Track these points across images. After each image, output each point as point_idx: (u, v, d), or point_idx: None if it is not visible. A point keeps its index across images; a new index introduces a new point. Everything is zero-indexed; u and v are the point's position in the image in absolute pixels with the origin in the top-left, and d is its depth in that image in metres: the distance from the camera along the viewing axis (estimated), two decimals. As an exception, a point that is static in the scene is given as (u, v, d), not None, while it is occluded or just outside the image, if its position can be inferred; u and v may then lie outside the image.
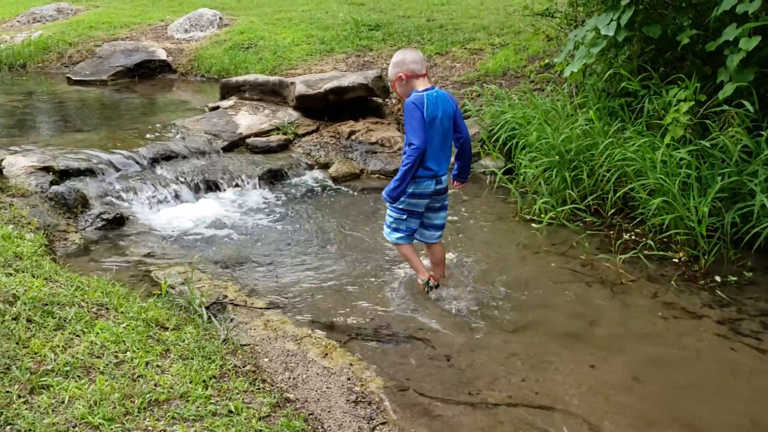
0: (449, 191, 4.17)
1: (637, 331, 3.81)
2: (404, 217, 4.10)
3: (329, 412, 3.01)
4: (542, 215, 5.18)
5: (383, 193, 3.98)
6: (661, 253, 4.60)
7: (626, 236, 4.92)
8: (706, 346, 3.65)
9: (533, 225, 5.19)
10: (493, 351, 3.65)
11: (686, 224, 4.56)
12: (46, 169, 5.58)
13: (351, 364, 3.42)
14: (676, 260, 4.56)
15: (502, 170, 5.88)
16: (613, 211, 5.16)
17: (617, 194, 5.05)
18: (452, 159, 4.16)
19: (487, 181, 6.19)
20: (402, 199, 3.98)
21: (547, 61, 7.59)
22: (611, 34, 5.03)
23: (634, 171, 4.96)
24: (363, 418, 2.99)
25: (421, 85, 3.89)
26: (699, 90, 4.94)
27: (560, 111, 5.98)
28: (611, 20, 5.07)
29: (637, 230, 5.00)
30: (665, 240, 4.74)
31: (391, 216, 4.15)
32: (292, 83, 7.58)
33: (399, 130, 7.28)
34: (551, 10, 7.33)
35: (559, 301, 4.18)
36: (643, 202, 4.86)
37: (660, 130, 5.04)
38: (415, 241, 4.29)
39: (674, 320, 3.90)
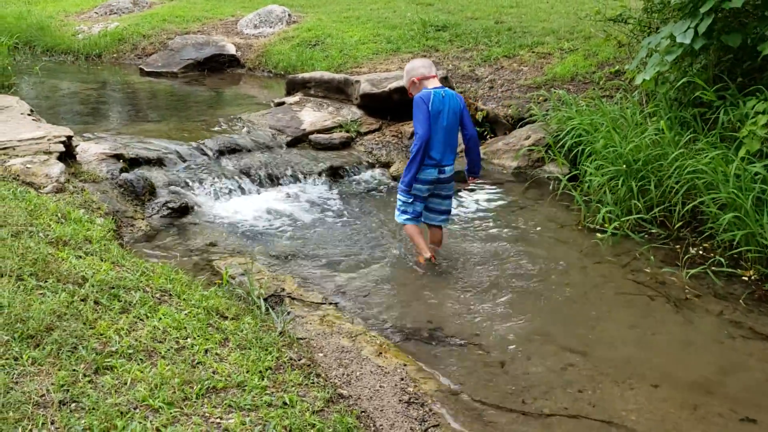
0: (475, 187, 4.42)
1: (702, 349, 3.69)
2: (410, 200, 4.58)
3: (381, 410, 3.01)
4: (606, 225, 5.07)
5: (399, 184, 4.57)
6: (730, 269, 4.43)
7: (693, 250, 4.77)
8: (775, 370, 3.50)
9: (597, 234, 5.08)
10: (549, 360, 3.58)
11: (758, 241, 4.38)
12: (117, 157, 5.75)
13: (405, 365, 3.41)
14: (746, 278, 4.40)
15: (566, 177, 5.78)
16: (680, 223, 5.00)
17: (686, 207, 4.89)
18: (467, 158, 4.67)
19: (551, 187, 6.09)
20: (409, 191, 4.52)
21: (617, 67, 7.42)
22: (688, 42, 4.87)
23: (705, 184, 4.80)
24: (415, 419, 2.98)
25: (430, 84, 4.44)
26: (778, 103, 4.75)
27: (629, 119, 5.84)
28: (688, 28, 4.92)
29: (705, 245, 4.83)
30: (735, 256, 4.57)
31: (400, 200, 4.63)
32: (357, 81, 7.61)
33: (462, 132, 7.23)
34: (624, 15, 7.16)
35: (620, 313, 4.09)
36: (713, 216, 4.70)
37: (734, 143, 4.86)
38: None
39: (741, 340, 3.76)
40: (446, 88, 4.46)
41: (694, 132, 5.27)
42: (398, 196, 4.63)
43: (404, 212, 4.63)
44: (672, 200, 5.05)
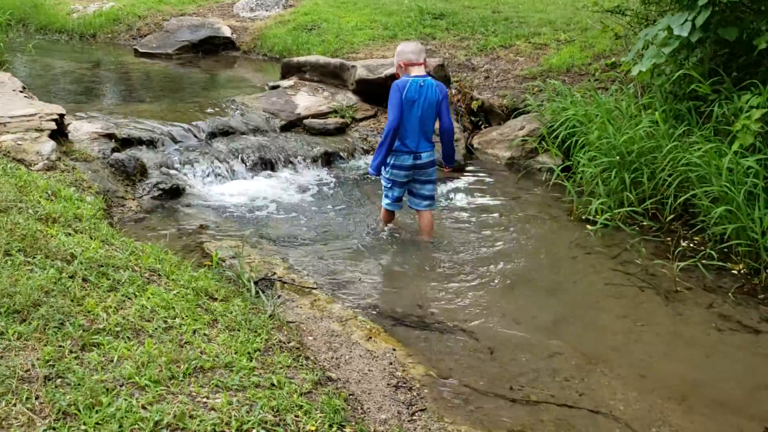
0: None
1: (690, 341, 3.70)
2: (389, 185, 4.75)
3: (369, 394, 3.01)
4: (598, 216, 5.07)
5: (370, 169, 4.75)
6: (720, 263, 4.45)
7: (684, 243, 4.77)
8: (761, 362, 3.52)
9: (588, 226, 5.08)
10: (537, 348, 3.59)
11: (749, 235, 4.40)
12: (109, 137, 5.71)
13: (394, 349, 3.40)
14: (736, 272, 4.41)
15: (559, 168, 5.77)
16: (672, 216, 5.01)
17: (678, 200, 4.90)
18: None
19: (544, 178, 6.09)
20: (387, 169, 4.65)
21: (613, 59, 7.40)
22: (685, 34, 4.87)
23: (698, 177, 4.80)
24: (403, 402, 2.98)
25: (414, 71, 4.52)
26: (773, 97, 4.75)
27: (624, 111, 5.83)
28: (686, 20, 4.90)
29: (696, 238, 4.84)
30: (725, 250, 4.59)
31: (383, 185, 4.82)
32: (353, 67, 7.57)
33: (457, 121, 7.21)
34: (622, 7, 7.14)
35: (610, 304, 4.10)
36: (705, 209, 4.71)
37: (728, 137, 4.87)
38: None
39: (729, 333, 3.77)
40: (428, 78, 4.55)
41: (689, 125, 5.27)
42: (382, 182, 4.82)
43: (386, 197, 4.85)
44: (664, 193, 5.06)
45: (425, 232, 4.84)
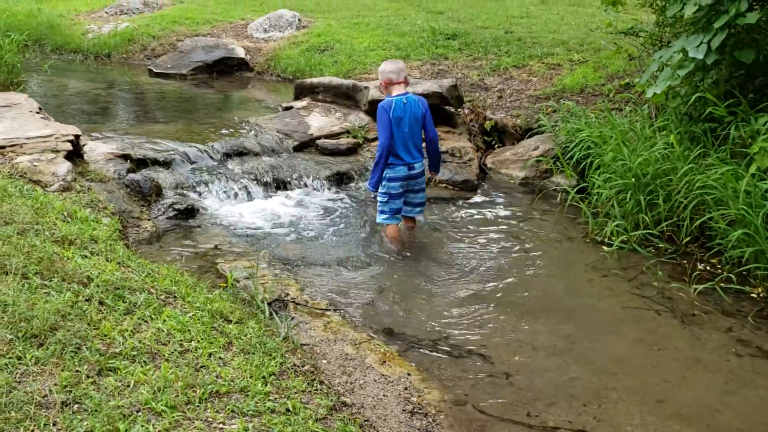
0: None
1: (708, 366, 3.65)
2: (386, 199, 5.02)
3: (384, 420, 2.98)
4: (613, 238, 5.04)
5: (367, 184, 5.21)
6: (738, 286, 4.40)
7: (701, 266, 4.73)
8: (783, 389, 3.46)
9: (604, 248, 5.05)
10: (553, 373, 3.56)
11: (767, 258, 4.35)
12: (124, 157, 5.74)
13: (409, 374, 3.38)
14: (755, 295, 4.36)
15: (574, 189, 5.75)
16: (688, 239, 4.97)
17: (694, 222, 4.86)
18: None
19: (558, 199, 6.07)
20: (383, 183, 4.96)
21: (627, 80, 7.39)
22: (700, 57, 4.85)
23: (714, 199, 4.77)
24: (418, 429, 2.95)
25: (396, 90, 4.91)
26: (790, 119, 4.72)
27: (639, 133, 5.81)
28: (701, 42, 4.89)
29: (713, 261, 4.80)
30: (744, 273, 4.54)
31: (378, 201, 5.09)
32: (366, 87, 7.60)
33: (470, 141, 7.22)
34: (636, 29, 7.14)
35: (626, 328, 4.05)
36: (722, 232, 4.67)
37: (745, 159, 4.84)
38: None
39: (749, 358, 3.72)
40: (409, 94, 4.95)
41: (704, 147, 5.24)
42: (377, 198, 5.11)
43: (382, 212, 5.07)
44: (680, 215, 5.02)
45: (410, 229, 5.30)
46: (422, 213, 5.31)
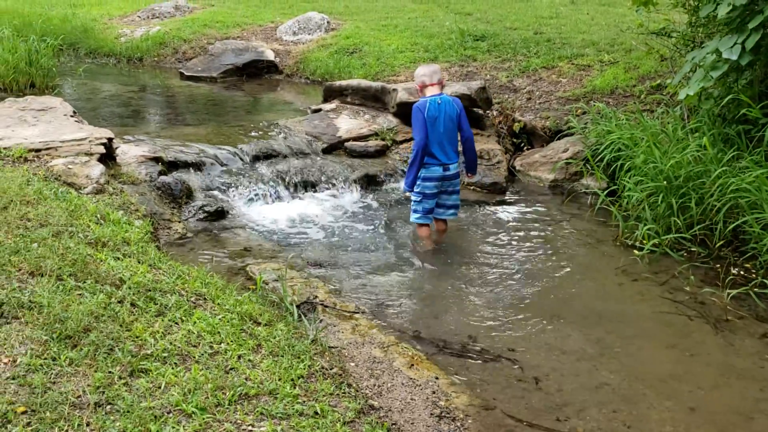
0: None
1: (742, 372, 3.59)
2: (420, 198, 5.09)
3: (412, 424, 2.98)
4: (645, 241, 4.98)
5: (402, 184, 5.36)
6: (772, 291, 4.32)
7: (734, 271, 4.65)
8: (819, 397, 3.39)
9: (635, 251, 4.99)
10: (583, 377, 3.53)
11: (803, 263, 4.27)
12: (156, 160, 5.82)
13: (437, 378, 3.37)
14: (790, 301, 4.28)
15: (604, 191, 5.69)
16: (721, 242, 4.89)
17: (728, 226, 4.78)
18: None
19: (589, 202, 6.01)
20: (418, 183, 5.03)
21: (659, 81, 7.30)
22: (734, 57, 4.77)
23: (748, 203, 4.69)
24: (447, 433, 2.95)
25: (430, 92, 5.00)
26: (827, 121, 4.62)
27: (671, 135, 5.74)
28: (735, 43, 4.81)
29: (747, 265, 4.72)
30: (778, 278, 4.46)
31: (412, 200, 5.16)
32: (394, 90, 7.61)
33: (498, 143, 7.19)
34: (668, 29, 7.05)
35: (658, 333, 4.00)
36: (756, 236, 4.58)
37: (781, 162, 4.75)
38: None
39: (784, 365, 3.65)
40: (444, 95, 5.02)
41: (738, 149, 5.16)
42: (411, 197, 5.20)
43: (415, 211, 5.15)
44: (713, 219, 4.94)
45: (440, 233, 5.32)
46: (455, 215, 5.34)
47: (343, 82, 8.27)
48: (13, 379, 2.45)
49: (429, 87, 5.00)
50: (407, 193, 5.38)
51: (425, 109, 4.90)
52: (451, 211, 5.24)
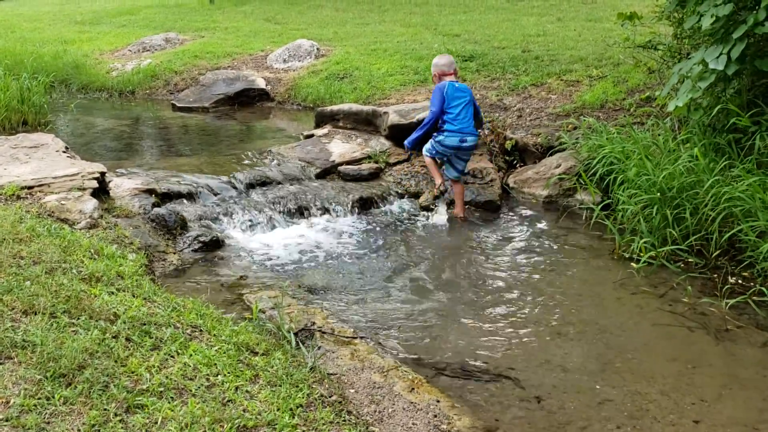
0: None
1: (745, 383, 3.57)
2: (434, 151, 6.19)
3: (415, 449, 2.94)
4: (641, 254, 4.97)
5: (405, 142, 6.48)
6: (771, 299, 4.30)
7: (732, 280, 4.64)
8: (824, 404, 3.36)
9: (632, 264, 4.98)
10: (585, 395, 3.50)
11: (801, 270, 4.26)
12: (149, 192, 5.81)
13: (438, 401, 3.34)
14: (789, 308, 4.26)
15: (599, 205, 5.69)
16: (717, 252, 4.88)
17: (723, 236, 4.78)
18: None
19: (583, 217, 6.01)
20: (434, 143, 6.12)
21: (648, 94, 7.34)
22: (721, 68, 4.80)
23: (743, 211, 4.69)
24: (449, 457, 2.91)
25: (447, 79, 6.11)
26: (816, 127, 4.64)
27: (662, 146, 5.75)
28: (721, 53, 4.84)
29: (745, 274, 4.71)
30: (776, 286, 4.44)
31: (431, 144, 6.21)
32: (385, 113, 7.64)
33: (491, 161, 7.20)
34: (654, 42, 7.10)
35: (658, 345, 3.98)
36: (752, 244, 4.58)
37: (772, 169, 4.76)
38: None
39: (787, 373, 3.62)
40: (459, 82, 6.18)
41: (730, 158, 5.17)
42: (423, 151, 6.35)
43: (428, 150, 6.22)
44: (708, 228, 4.94)
45: (458, 206, 6.16)
46: (459, 179, 6.20)
47: (335, 107, 8.30)
48: (6, 420, 2.42)
49: (447, 76, 6.08)
50: (408, 150, 6.70)
51: (444, 88, 5.96)
52: (457, 173, 6.17)
